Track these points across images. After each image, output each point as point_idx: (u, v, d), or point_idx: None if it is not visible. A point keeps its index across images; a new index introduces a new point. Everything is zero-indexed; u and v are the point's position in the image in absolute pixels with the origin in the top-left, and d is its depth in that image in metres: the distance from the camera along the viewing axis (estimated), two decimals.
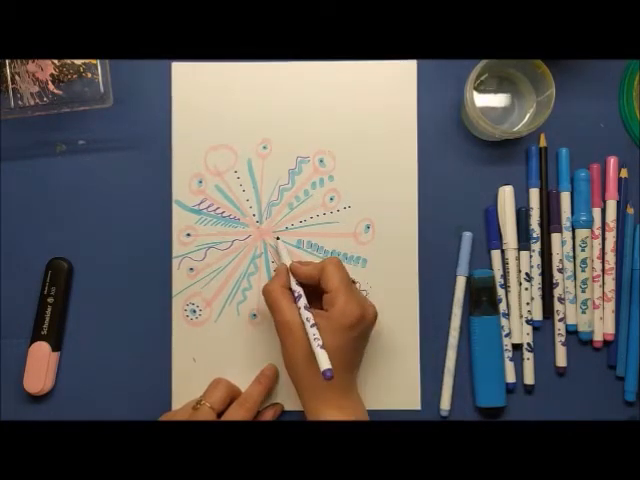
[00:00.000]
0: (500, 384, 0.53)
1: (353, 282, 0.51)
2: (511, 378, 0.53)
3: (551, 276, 0.54)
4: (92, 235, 0.54)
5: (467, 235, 0.54)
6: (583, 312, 0.54)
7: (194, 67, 0.55)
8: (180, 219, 0.54)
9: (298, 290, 0.49)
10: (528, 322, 0.54)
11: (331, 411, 0.46)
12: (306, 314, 0.47)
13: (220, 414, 0.49)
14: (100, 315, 0.54)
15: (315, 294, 0.49)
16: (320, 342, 0.45)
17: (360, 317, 0.47)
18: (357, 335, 0.47)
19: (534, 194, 0.54)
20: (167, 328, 0.54)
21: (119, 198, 0.55)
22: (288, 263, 0.51)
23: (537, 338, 0.54)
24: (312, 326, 0.46)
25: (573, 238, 0.54)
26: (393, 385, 0.53)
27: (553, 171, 0.55)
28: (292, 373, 0.48)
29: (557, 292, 0.54)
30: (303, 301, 0.48)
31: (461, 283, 0.54)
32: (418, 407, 0.53)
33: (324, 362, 0.43)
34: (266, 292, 0.49)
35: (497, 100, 0.54)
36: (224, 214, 0.54)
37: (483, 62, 0.50)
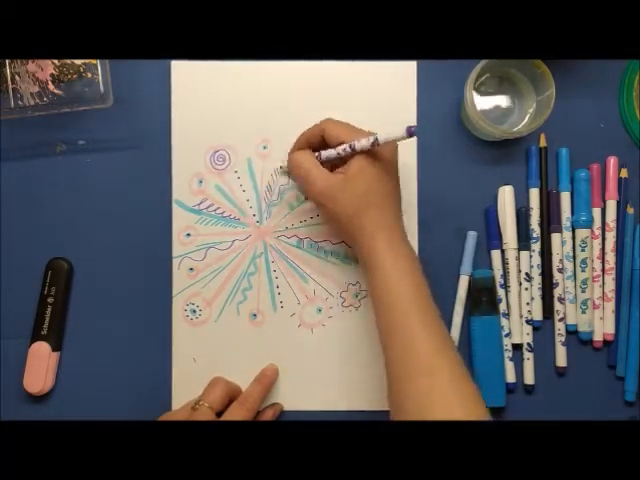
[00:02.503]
0: (500, 384, 0.53)
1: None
2: (511, 378, 0.53)
3: (551, 276, 0.54)
4: (92, 235, 0.54)
5: (472, 234, 0.54)
6: (583, 312, 0.54)
7: (194, 67, 0.55)
8: (180, 219, 0.54)
9: (336, 150, 0.48)
10: (528, 322, 0.54)
11: (386, 255, 0.46)
12: (344, 145, 0.47)
13: (219, 414, 0.49)
14: (100, 315, 0.54)
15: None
16: (376, 136, 0.45)
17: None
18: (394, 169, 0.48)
19: (534, 194, 0.54)
20: (167, 328, 0.54)
21: (119, 198, 0.55)
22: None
23: (537, 338, 0.54)
24: (358, 141, 0.46)
25: (573, 238, 0.54)
26: None
27: (553, 171, 0.55)
28: (345, 226, 0.47)
29: (557, 292, 0.54)
30: (331, 150, 0.48)
31: (464, 282, 0.54)
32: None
33: (395, 131, 0.44)
34: (296, 163, 0.49)
35: (497, 100, 0.54)
36: (224, 214, 0.54)
37: (483, 62, 0.50)
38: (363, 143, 0.46)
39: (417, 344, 0.43)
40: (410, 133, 0.43)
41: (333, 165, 0.49)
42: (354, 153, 0.47)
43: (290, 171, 0.51)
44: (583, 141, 0.55)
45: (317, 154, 0.49)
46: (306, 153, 0.49)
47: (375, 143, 0.45)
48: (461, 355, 0.53)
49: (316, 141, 0.50)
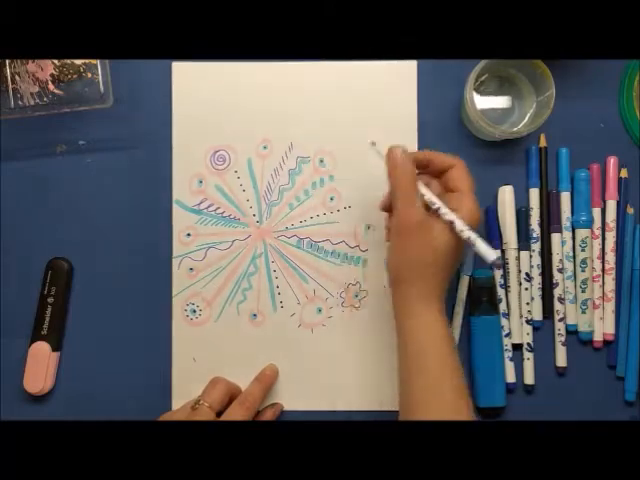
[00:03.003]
0: (500, 384, 0.53)
1: None
2: (511, 378, 0.53)
3: (551, 276, 0.54)
4: (92, 235, 0.54)
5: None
6: (583, 312, 0.54)
7: (194, 67, 0.55)
8: (180, 219, 0.54)
9: (437, 203, 0.45)
10: (528, 322, 0.54)
11: (419, 331, 0.45)
12: (450, 212, 0.44)
13: (219, 413, 0.49)
14: (100, 315, 0.54)
15: None
16: (476, 235, 0.44)
17: (477, 221, 0.45)
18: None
19: (534, 194, 0.54)
20: (167, 328, 0.54)
21: (119, 198, 0.55)
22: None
23: (537, 338, 0.54)
24: (457, 222, 0.44)
25: (573, 238, 0.54)
26: (393, 385, 0.53)
27: (553, 171, 0.55)
28: (404, 279, 0.45)
29: (557, 292, 0.54)
30: (439, 201, 0.45)
31: (464, 282, 0.54)
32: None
33: (488, 251, 0.43)
34: (400, 163, 0.45)
35: (497, 100, 0.54)
36: (224, 214, 0.54)
37: (483, 62, 0.50)
38: (466, 232, 0.44)
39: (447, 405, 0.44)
40: (493, 263, 0.43)
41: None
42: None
43: (387, 163, 0.46)
44: (583, 141, 0.55)
45: (427, 192, 0.46)
46: (413, 165, 0.45)
47: (469, 243, 0.44)
48: (461, 355, 0.54)
49: (434, 168, 0.47)
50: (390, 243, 0.46)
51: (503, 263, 0.41)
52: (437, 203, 0.45)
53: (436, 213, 0.45)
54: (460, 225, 0.44)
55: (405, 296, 0.46)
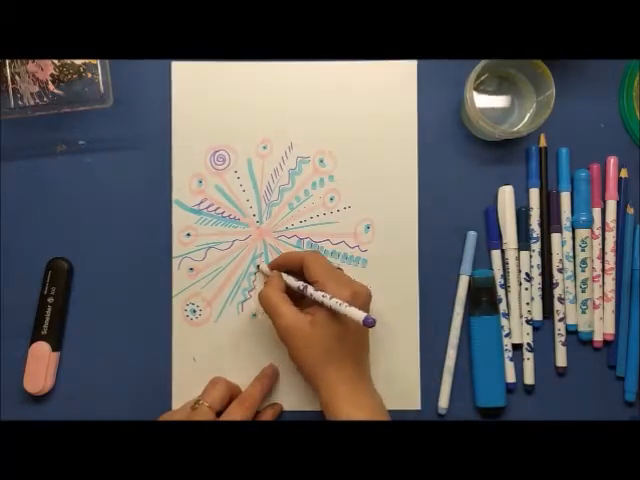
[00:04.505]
0: (500, 384, 0.53)
1: (338, 269, 0.52)
2: (511, 378, 0.53)
3: (551, 276, 0.54)
4: (92, 235, 0.54)
5: (472, 234, 0.54)
6: (583, 312, 0.54)
7: (194, 67, 0.55)
8: (180, 219, 0.54)
9: (299, 283, 0.49)
10: (528, 322, 0.54)
11: (349, 410, 0.46)
12: (318, 291, 0.47)
13: (219, 413, 0.49)
14: (100, 315, 0.54)
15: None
16: (344, 303, 0.44)
17: (352, 296, 0.46)
18: None
19: (534, 194, 0.54)
20: (167, 328, 0.54)
21: (119, 198, 0.55)
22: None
23: (537, 338, 0.54)
24: (330, 298, 0.45)
25: (573, 238, 0.54)
26: (393, 385, 0.53)
27: (553, 171, 0.55)
28: (307, 372, 0.48)
29: (557, 292, 0.54)
30: (310, 288, 0.48)
31: (464, 282, 0.54)
32: (418, 407, 0.53)
33: (358, 313, 0.43)
34: (263, 298, 0.49)
35: (497, 100, 0.54)
36: (224, 214, 0.54)
37: (483, 62, 0.50)
38: (334, 302, 0.45)
39: None
40: (366, 324, 0.43)
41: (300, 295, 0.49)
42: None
43: (260, 303, 0.50)
44: (583, 141, 0.55)
45: (290, 279, 0.50)
46: (273, 288, 0.49)
47: (344, 309, 0.44)
48: (461, 355, 0.54)
49: (295, 267, 0.50)
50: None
51: (374, 321, 0.43)
52: (308, 291, 0.48)
53: (318, 300, 0.47)
54: (319, 297, 0.46)
55: (318, 388, 0.47)
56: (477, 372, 0.53)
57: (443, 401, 0.53)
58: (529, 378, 0.54)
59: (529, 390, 0.54)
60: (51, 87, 0.52)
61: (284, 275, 0.51)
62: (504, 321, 0.54)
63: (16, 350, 0.54)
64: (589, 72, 0.55)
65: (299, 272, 0.50)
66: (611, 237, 0.54)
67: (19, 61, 0.52)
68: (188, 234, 0.54)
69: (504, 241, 0.54)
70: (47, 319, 0.53)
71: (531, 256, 0.54)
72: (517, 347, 0.54)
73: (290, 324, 0.47)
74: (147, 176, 0.55)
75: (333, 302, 0.45)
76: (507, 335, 0.54)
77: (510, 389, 0.54)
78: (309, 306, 0.48)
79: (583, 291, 0.54)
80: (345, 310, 0.44)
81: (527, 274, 0.54)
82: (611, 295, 0.54)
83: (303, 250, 0.53)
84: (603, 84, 0.55)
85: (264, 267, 0.54)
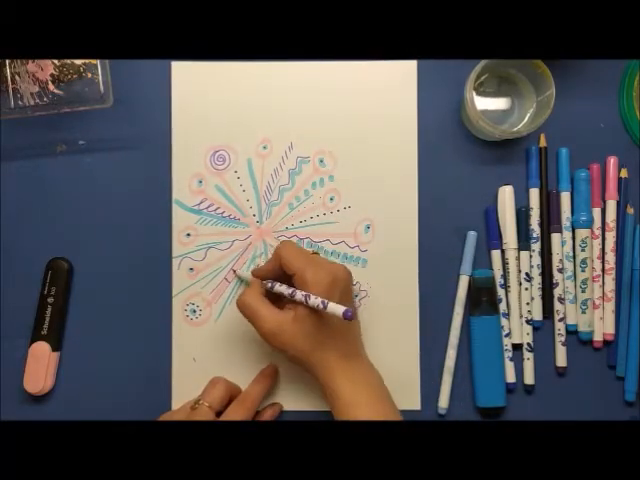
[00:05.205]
0: (500, 384, 0.53)
1: (314, 253, 0.52)
2: (511, 378, 0.53)
3: (551, 276, 0.54)
4: (92, 235, 0.54)
5: (472, 234, 0.54)
6: (583, 312, 0.54)
7: (194, 67, 0.55)
8: (180, 219, 0.54)
9: (276, 286, 0.49)
10: (528, 322, 0.54)
11: (346, 387, 0.47)
12: (297, 292, 0.47)
13: (219, 413, 0.49)
14: (100, 315, 0.54)
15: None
16: (325, 301, 0.44)
17: (333, 280, 0.47)
18: (338, 299, 0.47)
19: (534, 194, 0.54)
20: (167, 328, 0.54)
21: (119, 198, 0.55)
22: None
23: (537, 338, 0.54)
24: (309, 297, 0.46)
25: (573, 238, 0.54)
26: (393, 385, 0.53)
27: (553, 171, 0.55)
28: (302, 362, 0.48)
29: (557, 292, 0.54)
30: (285, 287, 0.48)
31: (464, 282, 0.54)
32: (418, 407, 0.53)
33: (338, 308, 0.43)
34: (242, 305, 0.49)
35: (497, 100, 0.54)
36: (224, 214, 0.54)
37: (483, 62, 0.50)
38: (313, 302, 0.45)
39: None
40: (346, 317, 0.43)
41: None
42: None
43: (239, 311, 0.49)
44: (583, 141, 0.55)
45: (269, 284, 0.49)
46: (252, 293, 0.49)
47: (324, 308, 0.44)
48: (461, 355, 0.54)
49: (277, 269, 0.49)
50: None
51: (353, 314, 0.43)
52: (285, 292, 0.48)
53: (299, 300, 0.46)
54: (312, 300, 0.45)
55: (314, 372, 0.48)
56: (477, 372, 0.53)
57: (443, 401, 0.53)
58: (529, 378, 0.54)
59: (529, 390, 0.54)
60: (51, 87, 0.52)
61: (273, 284, 0.50)
62: (504, 321, 0.54)
63: (16, 350, 0.54)
64: (589, 72, 0.55)
65: (281, 273, 0.49)
66: (611, 237, 0.54)
67: (19, 61, 0.52)
68: (188, 234, 0.54)
69: (504, 241, 0.54)
70: (47, 319, 0.53)
71: (531, 256, 0.54)
72: (517, 347, 0.54)
73: (272, 328, 0.47)
74: (147, 176, 0.55)
75: (313, 303, 0.45)
76: (507, 335, 0.54)
77: (510, 389, 0.54)
78: (290, 301, 0.48)
79: (583, 291, 0.54)
80: (325, 310, 0.44)
81: (527, 274, 0.54)
82: (611, 295, 0.54)
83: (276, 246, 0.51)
84: (603, 84, 0.55)
85: (241, 272, 0.54)
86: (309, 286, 0.46)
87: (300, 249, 0.50)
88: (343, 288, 0.48)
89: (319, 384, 0.48)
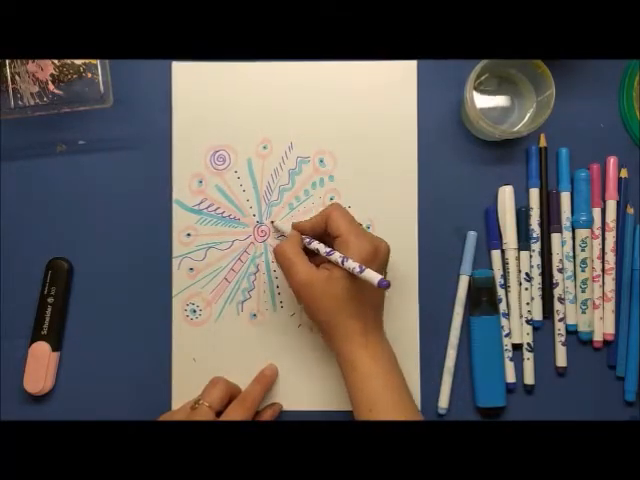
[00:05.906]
0: (500, 384, 0.53)
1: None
2: (511, 378, 0.53)
3: (551, 276, 0.54)
4: (92, 235, 0.54)
5: (472, 234, 0.54)
6: (583, 312, 0.54)
7: (194, 67, 0.55)
8: (180, 219, 0.54)
9: (317, 246, 0.49)
10: (528, 322, 0.54)
11: (364, 358, 0.47)
12: (335, 253, 0.46)
13: (219, 413, 0.49)
14: (100, 315, 0.54)
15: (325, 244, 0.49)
16: (362, 266, 0.44)
17: (374, 251, 0.47)
18: (375, 270, 0.46)
19: (534, 194, 0.54)
20: (167, 328, 0.54)
21: (119, 198, 0.55)
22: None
23: (537, 338, 0.54)
24: (347, 260, 0.45)
25: (573, 238, 0.54)
26: None
27: (553, 171, 0.55)
28: (322, 322, 0.48)
29: (557, 292, 0.54)
30: (322, 245, 0.48)
31: (464, 282, 0.54)
32: (418, 407, 0.53)
33: (374, 275, 0.43)
34: (280, 253, 0.48)
35: (497, 100, 0.54)
36: (224, 214, 0.54)
37: (483, 62, 0.50)
38: (350, 265, 0.45)
39: None
40: (380, 285, 0.43)
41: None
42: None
43: (275, 259, 0.50)
44: (583, 141, 0.55)
45: (307, 239, 0.50)
46: (291, 243, 0.49)
47: (360, 272, 0.44)
48: (461, 355, 0.54)
49: (317, 228, 0.50)
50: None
51: (389, 283, 0.43)
52: (322, 250, 0.48)
53: (334, 261, 0.46)
54: (349, 262, 0.45)
55: (334, 338, 0.48)
56: (477, 372, 0.53)
57: (443, 401, 0.53)
58: (529, 378, 0.54)
59: (529, 390, 0.54)
60: (51, 87, 0.52)
61: (312, 241, 0.50)
62: (504, 321, 0.54)
63: (16, 350, 0.54)
64: (589, 72, 0.55)
65: (321, 232, 0.50)
66: (611, 237, 0.54)
67: (19, 61, 0.52)
68: (188, 234, 0.54)
69: (504, 241, 0.54)
70: (47, 319, 0.53)
71: (531, 256, 0.54)
72: (517, 347, 0.54)
73: (305, 280, 0.47)
74: (147, 176, 0.55)
75: (350, 265, 0.45)
76: (507, 335, 0.54)
77: (510, 389, 0.54)
78: (325, 261, 0.48)
79: (583, 291, 0.54)
80: (361, 275, 0.44)
81: (527, 274, 0.54)
82: (611, 295, 0.54)
83: (326, 207, 0.51)
84: (603, 84, 0.55)
85: (279, 224, 0.53)
86: (350, 250, 0.46)
87: (350, 215, 0.50)
88: (381, 262, 0.48)
89: (334, 352, 0.48)
